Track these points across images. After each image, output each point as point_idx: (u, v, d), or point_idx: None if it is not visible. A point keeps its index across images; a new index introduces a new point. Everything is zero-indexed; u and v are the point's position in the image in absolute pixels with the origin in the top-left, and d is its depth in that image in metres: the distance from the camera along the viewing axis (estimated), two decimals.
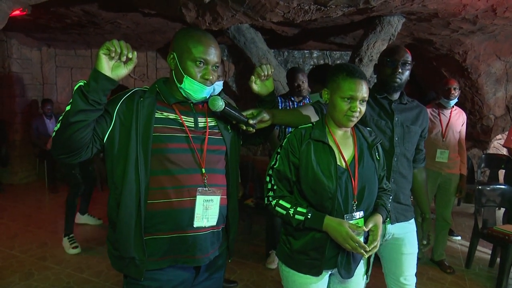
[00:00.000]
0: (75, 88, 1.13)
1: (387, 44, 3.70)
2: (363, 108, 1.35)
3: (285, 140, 1.41)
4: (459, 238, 3.86)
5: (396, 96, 1.73)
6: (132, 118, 1.22)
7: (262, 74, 1.42)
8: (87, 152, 1.22)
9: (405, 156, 1.70)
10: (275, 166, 1.41)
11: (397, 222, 1.71)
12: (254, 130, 1.36)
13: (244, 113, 1.34)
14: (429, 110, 3.23)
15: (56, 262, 3.06)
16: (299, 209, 1.34)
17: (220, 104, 1.26)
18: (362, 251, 1.27)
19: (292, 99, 3.11)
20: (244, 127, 1.34)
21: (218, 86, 2.41)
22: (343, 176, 1.35)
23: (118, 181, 1.24)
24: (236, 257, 3.21)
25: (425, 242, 1.90)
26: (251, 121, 1.33)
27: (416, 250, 1.77)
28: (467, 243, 3.36)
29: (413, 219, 1.79)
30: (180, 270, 1.30)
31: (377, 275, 1.92)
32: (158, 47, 5.54)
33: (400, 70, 1.65)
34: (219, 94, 2.45)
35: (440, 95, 3.23)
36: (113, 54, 1.11)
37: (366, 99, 1.35)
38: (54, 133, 1.18)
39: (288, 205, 1.36)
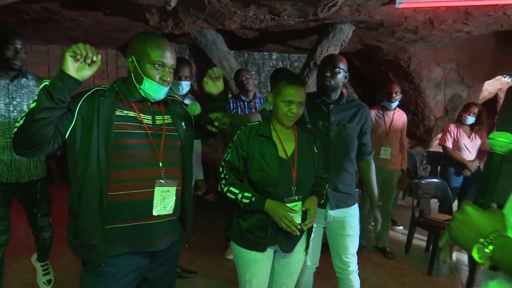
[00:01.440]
0: (41, 87, 1.20)
1: (339, 49, 4.00)
2: (300, 110, 1.60)
3: (236, 136, 1.63)
4: (401, 227, 4.25)
5: (334, 98, 1.99)
6: (94, 115, 1.29)
7: (214, 76, 1.58)
8: (48, 147, 1.28)
9: (342, 152, 1.95)
10: (226, 158, 1.63)
11: (337, 208, 1.95)
12: (217, 130, 1.55)
13: (211, 116, 1.52)
14: (375, 111, 3.56)
15: (14, 259, 3.04)
16: (245, 194, 1.56)
17: (199, 110, 1.46)
18: (294, 229, 1.51)
19: (243, 99, 3.32)
20: (210, 127, 1.52)
21: (186, 86, 2.56)
22: (284, 166, 1.58)
23: (80, 175, 1.31)
24: (196, 249, 3.35)
25: (370, 227, 2.14)
26: (216, 123, 1.51)
27: (357, 233, 2.03)
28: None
29: (355, 205, 2.03)
30: (137, 255, 1.40)
31: (326, 262, 2.16)
32: (119, 45, 5.50)
33: (328, 74, 1.91)
34: (186, 94, 2.60)
35: (384, 98, 3.56)
36: (78, 57, 1.19)
37: (303, 102, 1.60)
38: (16, 129, 1.23)
39: (236, 191, 1.58)
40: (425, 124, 5.45)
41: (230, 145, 1.64)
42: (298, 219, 1.59)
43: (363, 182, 2.16)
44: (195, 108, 1.46)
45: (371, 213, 2.12)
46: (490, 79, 5.92)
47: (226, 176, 1.62)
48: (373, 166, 2.13)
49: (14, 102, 2.19)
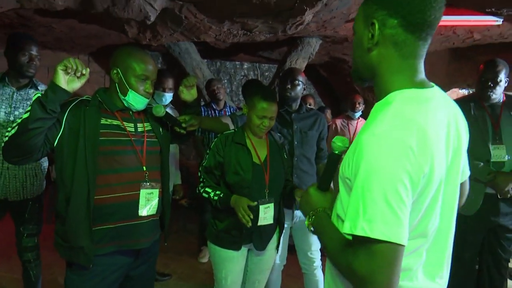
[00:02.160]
0: (34, 98, 1.29)
1: (307, 61, 4.22)
2: (272, 122, 1.78)
3: (213, 143, 1.79)
4: None
5: (294, 107, 2.19)
6: (80, 124, 1.38)
7: (188, 84, 1.72)
8: (38, 155, 1.36)
9: (305, 156, 2.15)
10: (204, 164, 1.80)
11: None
12: (185, 132, 1.68)
13: (179, 118, 1.66)
14: (340, 120, 3.80)
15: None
16: (217, 192, 1.73)
17: (162, 111, 1.57)
18: (248, 219, 1.61)
19: (214, 107, 3.47)
20: (178, 129, 1.65)
21: (169, 97, 2.71)
22: (257, 171, 1.75)
23: (67, 180, 1.38)
24: (170, 253, 3.43)
25: None
26: (183, 125, 1.64)
27: None
28: None
29: None
30: (122, 255, 1.49)
31: (294, 263, 2.33)
32: (91, 51, 5.49)
33: (289, 86, 2.12)
34: (167, 104, 2.73)
35: (348, 108, 3.81)
36: (69, 70, 1.29)
37: (275, 116, 1.78)
38: (8, 138, 1.30)
39: (209, 190, 1.75)
40: None
41: (208, 151, 1.80)
42: (270, 220, 1.75)
43: None
44: (159, 110, 1.57)
45: None
46: (446, 91, 6.37)
47: (204, 180, 1.79)
48: None
49: (16, 112, 2.08)
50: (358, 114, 3.73)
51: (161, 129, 1.63)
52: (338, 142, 1.03)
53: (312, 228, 1.02)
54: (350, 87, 5.69)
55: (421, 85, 0.89)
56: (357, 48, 0.95)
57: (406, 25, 0.85)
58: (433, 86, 0.92)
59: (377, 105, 0.90)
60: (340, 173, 0.93)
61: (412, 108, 0.83)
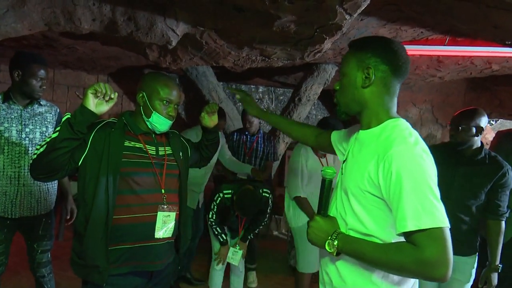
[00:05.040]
0: (63, 119, 1.36)
1: (322, 87, 4.25)
2: None
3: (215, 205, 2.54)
4: None
5: (468, 152, 2.14)
6: (104, 146, 1.44)
7: (210, 111, 1.78)
8: (63, 173, 1.42)
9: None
10: (211, 219, 2.62)
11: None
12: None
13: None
14: None
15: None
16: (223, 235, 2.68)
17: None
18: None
19: (246, 133, 3.57)
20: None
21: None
22: None
23: (88, 199, 1.43)
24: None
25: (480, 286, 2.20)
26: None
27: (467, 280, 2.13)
28: None
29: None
30: (137, 276, 1.51)
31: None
32: (110, 72, 5.64)
33: (453, 132, 2.20)
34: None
35: None
36: (98, 94, 1.36)
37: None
38: (36, 155, 1.36)
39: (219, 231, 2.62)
40: None
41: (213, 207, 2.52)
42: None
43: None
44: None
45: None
46: None
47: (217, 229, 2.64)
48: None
49: (27, 129, 2.12)
50: None
51: (181, 154, 1.68)
52: (329, 170, 1.20)
53: (336, 251, 1.09)
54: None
55: (399, 117, 1.15)
56: (349, 87, 1.16)
57: (393, 70, 1.11)
58: (402, 118, 1.16)
59: (376, 130, 1.12)
60: (352, 189, 1.10)
61: (412, 131, 1.09)
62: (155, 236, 1.51)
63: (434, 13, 2.36)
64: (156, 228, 1.50)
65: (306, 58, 2.36)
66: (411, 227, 0.95)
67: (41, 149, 1.36)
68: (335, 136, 1.43)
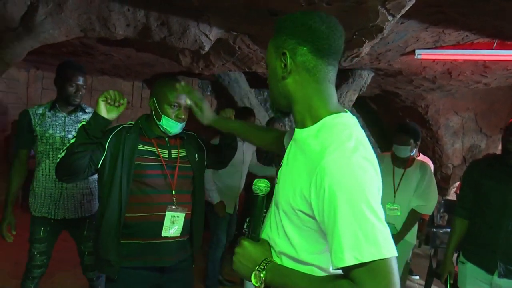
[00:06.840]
0: (79, 126, 1.50)
1: (358, 93, 4.10)
2: None
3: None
4: (417, 277, 4.12)
5: None
6: (119, 149, 1.55)
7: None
8: (84, 174, 1.54)
9: None
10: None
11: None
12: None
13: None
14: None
15: None
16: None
17: None
18: None
19: None
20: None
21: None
22: None
23: (104, 198, 1.56)
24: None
25: None
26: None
27: None
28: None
29: None
30: (147, 270, 1.61)
31: None
32: (145, 78, 5.75)
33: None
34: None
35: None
36: (109, 101, 1.49)
37: None
38: (59, 159, 1.50)
39: None
40: (442, 172, 5.41)
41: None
42: None
43: None
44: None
45: None
46: None
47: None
48: None
49: (69, 136, 2.19)
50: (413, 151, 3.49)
51: (196, 156, 1.73)
52: (261, 183, 1.00)
53: (263, 285, 0.88)
54: (400, 122, 5.44)
55: (342, 109, 0.93)
56: (272, 79, 0.97)
57: (315, 51, 0.89)
58: (347, 111, 0.95)
59: (312, 129, 0.90)
60: (283, 206, 0.90)
61: (353, 130, 0.86)
62: (162, 235, 1.58)
63: (480, 14, 2.19)
64: (164, 227, 1.58)
65: (343, 63, 2.25)
66: (349, 261, 0.75)
67: (63, 153, 1.49)
68: (286, 139, 1.14)
